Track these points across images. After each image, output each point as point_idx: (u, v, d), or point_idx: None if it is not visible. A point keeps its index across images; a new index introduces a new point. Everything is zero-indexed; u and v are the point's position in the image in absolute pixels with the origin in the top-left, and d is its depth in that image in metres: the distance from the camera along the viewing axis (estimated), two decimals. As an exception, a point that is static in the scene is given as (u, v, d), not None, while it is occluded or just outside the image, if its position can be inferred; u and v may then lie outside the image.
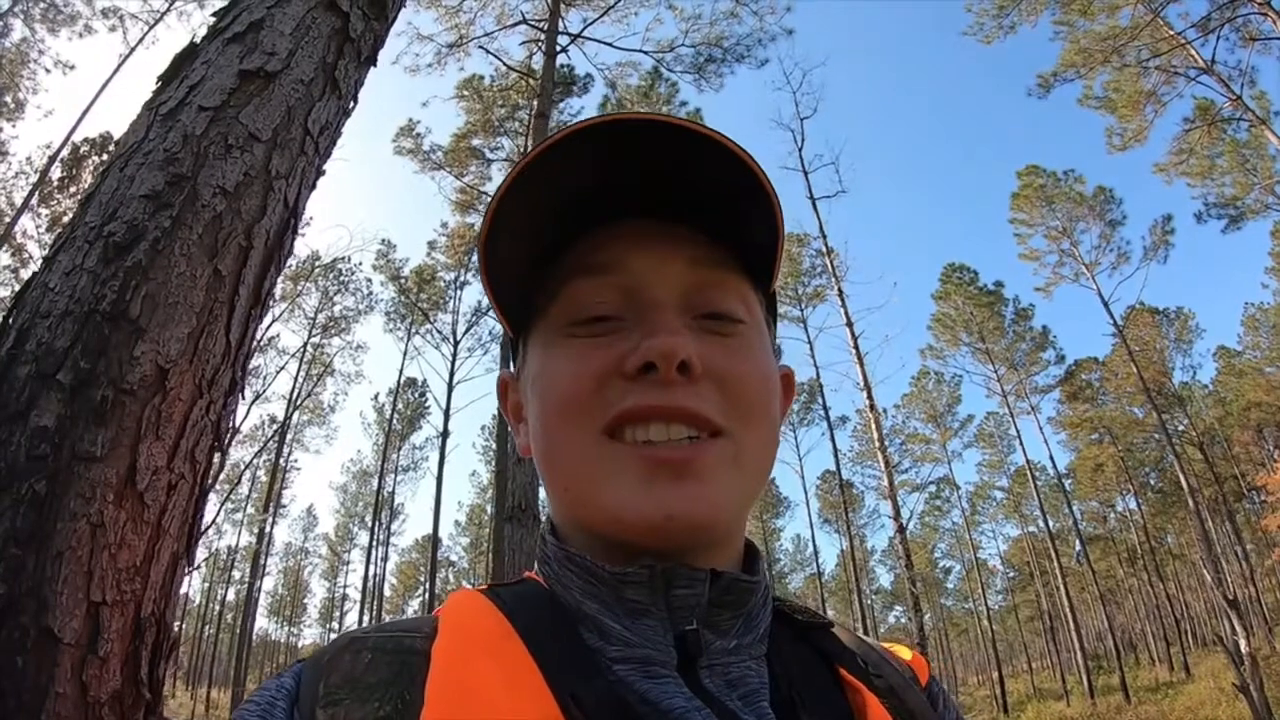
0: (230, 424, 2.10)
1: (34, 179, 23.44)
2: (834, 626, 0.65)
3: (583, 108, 20.74)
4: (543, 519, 0.68)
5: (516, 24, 14.79)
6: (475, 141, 21.20)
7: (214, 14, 2.47)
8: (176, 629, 1.86)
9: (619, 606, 0.55)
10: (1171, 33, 18.91)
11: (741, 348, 0.61)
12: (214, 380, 1.93)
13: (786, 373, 0.72)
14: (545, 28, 13.82)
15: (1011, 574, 50.72)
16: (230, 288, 1.99)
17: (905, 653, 0.71)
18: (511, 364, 0.74)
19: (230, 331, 1.98)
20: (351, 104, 2.66)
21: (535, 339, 0.64)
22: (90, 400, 1.64)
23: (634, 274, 0.60)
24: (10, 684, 1.40)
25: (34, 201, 22.79)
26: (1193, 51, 18.96)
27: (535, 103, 13.89)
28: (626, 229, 0.61)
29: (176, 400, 1.80)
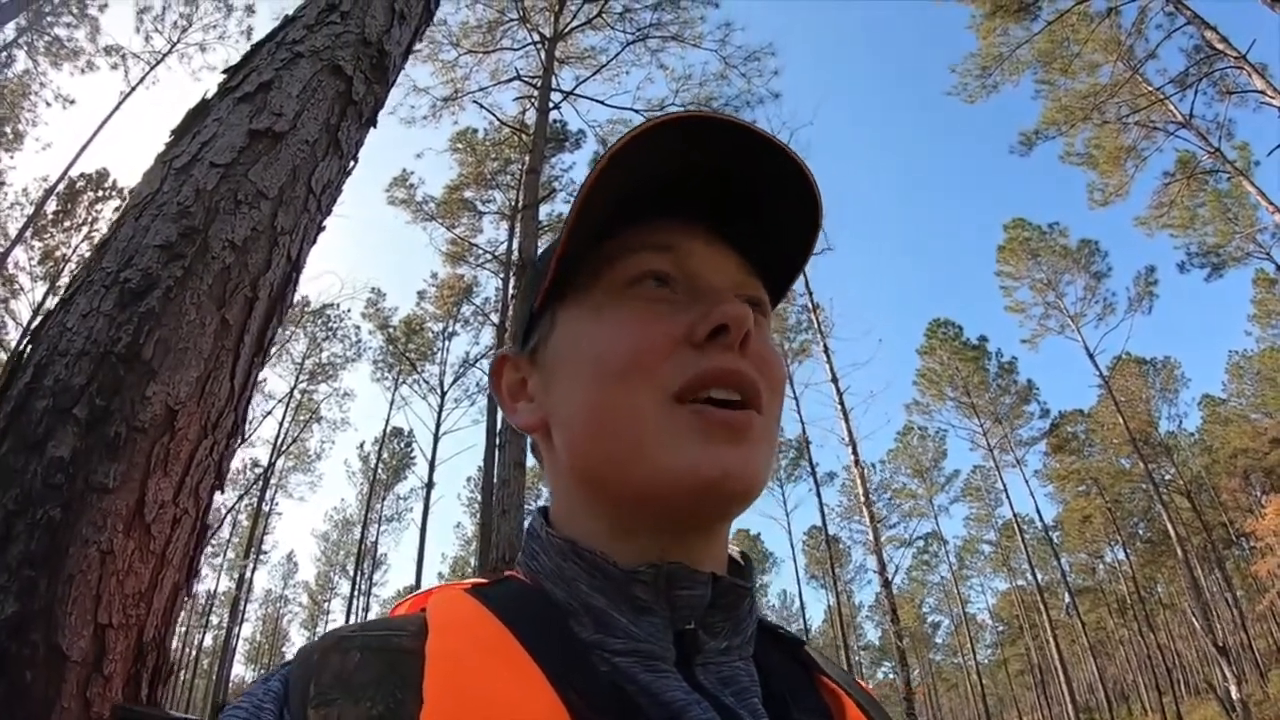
0: (229, 465, 2.21)
1: (29, 211, 23.55)
2: (805, 644, 0.67)
3: (574, 163, 21.02)
4: (531, 520, 0.66)
5: (510, 80, 15.12)
6: (468, 194, 21.44)
7: (224, 71, 2.60)
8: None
9: (626, 603, 0.56)
10: (1150, 89, 19.43)
11: (770, 338, 0.66)
12: (218, 422, 2.04)
13: None
14: (539, 84, 14.08)
15: (1001, 628, 50.34)
16: (236, 336, 2.11)
17: (863, 683, 0.72)
18: (522, 342, 0.73)
19: (235, 377, 2.10)
20: (352, 164, 2.79)
21: (578, 307, 0.65)
22: (104, 435, 1.75)
23: (695, 259, 0.63)
24: (19, 697, 1.48)
25: (28, 234, 22.87)
26: (1171, 106, 19.44)
27: (527, 158, 14.10)
28: (680, 225, 0.64)
29: (184, 439, 1.91)
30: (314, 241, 2.59)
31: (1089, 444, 34.95)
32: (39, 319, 2.00)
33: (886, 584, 17.45)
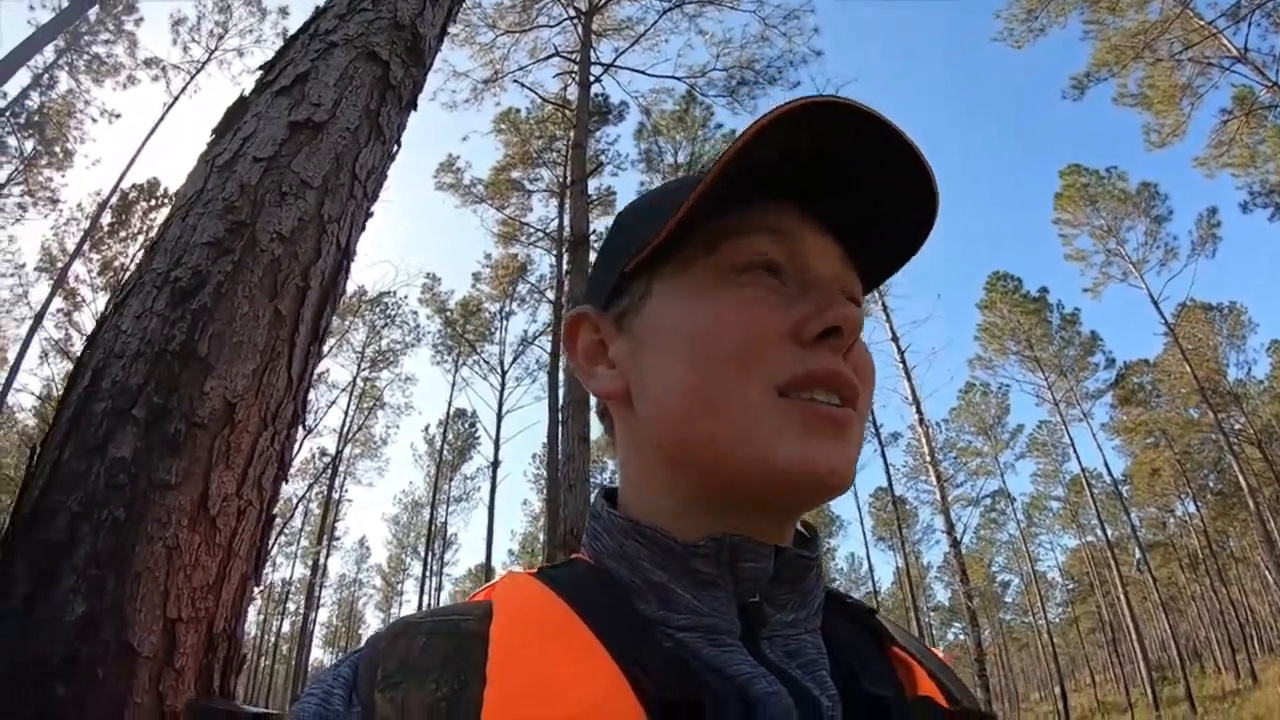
0: (292, 454, 2.22)
1: (85, 225, 24.11)
2: (877, 613, 0.67)
3: (619, 135, 21.02)
4: (594, 501, 0.65)
5: (549, 57, 15.06)
6: (515, 173, 21.51)
7: (260, 67, 2.61)
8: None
9: (687, 578, 0.56)
10: (1202, 23, 18.70)
11: (862, 344, 0.63)
12: (278, 413, 2.06)
13: None
14: (578, 59, 14.05)
15: (1071, 585, 49.59)
16: (290, 326, 2.12)
17: (938, 651, 0.72)
18: (607, 303, 0.69)
19: (291, 367, 2.11)
20: (395, 148, 2.79)
21: (677, 281, 0.63)
22: (164, 433, 1.77)
23: (805, 248, 0.62)
24: (92, 694, 1.51)
25: (85, 247, 23.44)
26: (1225, 40, 18.69)
27: (572, 133, 14.16)
28: (785, 206, 0.62)
29: (244, 432, 1.93)
30: (363, 228, 2.60)
31: (1156, 395, 33.99)
32: (97, 325, 2.03)
33: (955, 544, 17.32)
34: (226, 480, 1.86)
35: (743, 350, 0.57)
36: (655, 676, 0.47)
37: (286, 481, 2.21)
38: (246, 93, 2.50)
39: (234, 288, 2.00)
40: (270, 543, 2.12)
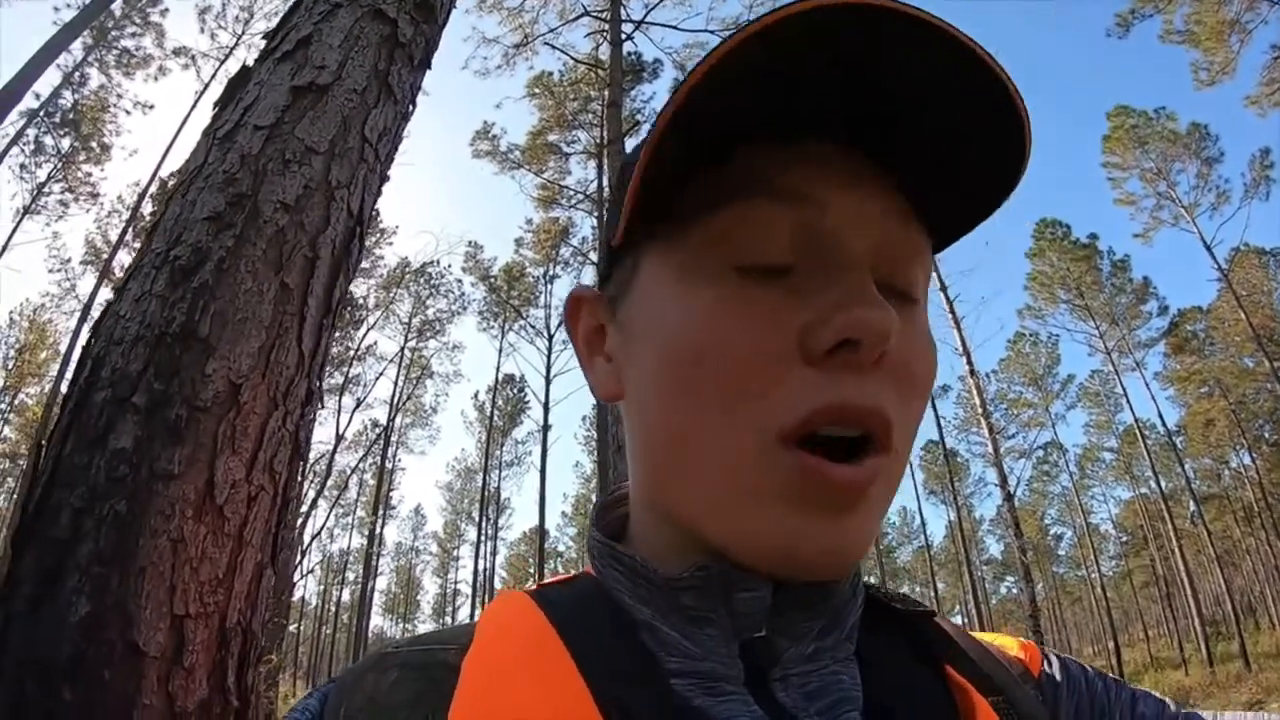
0: (309, 433, 2.14)
1: (126, 216, 24.52)
2: (935, 616, 0.54)
3: (654, 93, 20.83)
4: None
5: (579, 17, 14.91)
6: (551, 137, 21.51)
7: (263, 35, 2.52)
8: (292, 629, 1.91)
9: (675, 614, 0.46)
10: (1251, -44, 18.07)
11: (923, 333, 0.48)
12: (289, 391, 1.96)
13: None
14: (608, 17, 13.90)
15: (1124, 538, 49.04)
16: (299, 299, 2.02)
17: (1012, 644, 0.59)
18: (601, 277, 0.58)
19: (303, 342, 2.02)
20: (410, 108, 2.68)
21: (664, 255, 0.49)
22: (165, 420, 1.69)
23: (829, 213, 0.44)
24: (99, 696, 1.45)
25: (129, 237, 23.84)
26: (1275, -25, 18.08)
27: (606, 92, 14.00)
28: (814, 150, 0.45)
29: (251, 414, 1.84)
30: (377, 192, 2.49)
31: (1210, 343, 33.20)
32: (101, 314, 1.95)
33: (1009, 497, 17.11)
34: (234, 466, 1.77)
35: (737, 378, 0.43)
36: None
37: (305, 461, 2.13)
38: (248, 63, 2.40)
39: (236, 263, 1.90)
40: (296, 527, 2.04)
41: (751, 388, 0.43)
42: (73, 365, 1.89)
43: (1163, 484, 33.37)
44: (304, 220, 2.08)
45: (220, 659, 1.67)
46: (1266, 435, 34.95)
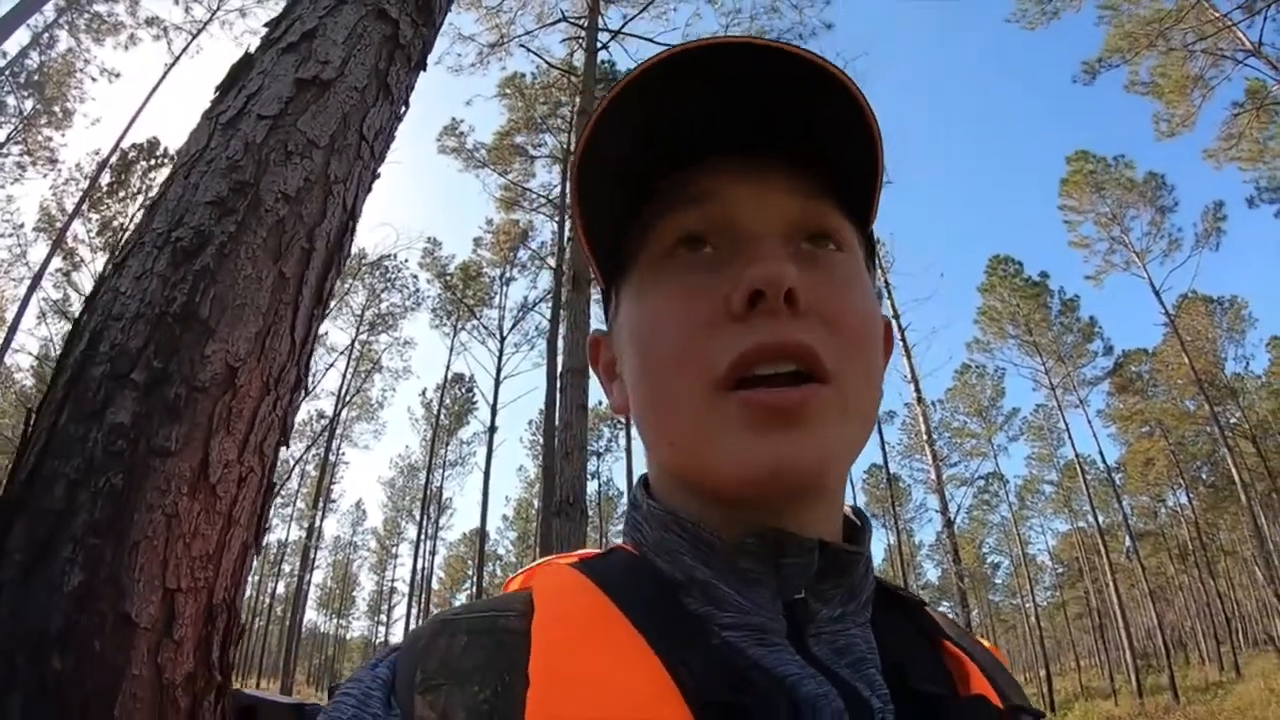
0: (294, 420, 2.17)
1: (84, 185, 24.01)
2: (927, 605, 0.64)
3: (624, 105, 20.78)
4: (632, 489, 0.63)
5: (556, 22, 14.90)
6: (518, 139, 21.46)
7: (266, 24, 2.54)
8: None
9: (732, 574, 0.53)
10: (1217, 14, 18.70)
11: (846, 280, 0.57)
12: (280, 377, 2.00)
13: (888, 322, 0.68)
14: (585, 25, 13.91)
15: (1060, 570, 50.04)
16: (294, 289, 2.06)
17: (986, 643, 0.67)
18: (605, 320, 0.70)
19: (295, 331, 2.06)
20: (403, 108, 2.73)
21: (629, 286, 0.61)
22: (164, 398, 1.72)
23: (731, 204, 0.56)
24: (89, 667, 1.47)
25: (84, 207, 23.34)
26: (1239, 34, 18.71)
27: (578, 99, 14.00)
28: (722, 164, 0.57)
29: (246, 397, 1.88)
30: (369, 189, 2.53)
31: (1153, 384, 34.11)
32: (95, 286, 1.97)
33: (949, 523, 17.39)
34: (228, 447, 1.81)
35: (678, 346, 0.54)
36: (701, 677, 0.45)
37: (288, 447, 2.16)
38: (252, 49, 2.42)
39: (237, 249, 1.94)
40: (270, 510, 2.07)
41: (692, 352, 0.53)
42: (50, 336, 1.90)
43: (1100, 519, 33.99)
44: (303, 212, 2.12)
45: (207, 634, 1.70)
46: (1204, 477, 35.96)
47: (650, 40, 14.71)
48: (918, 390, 18.85)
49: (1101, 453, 34.90)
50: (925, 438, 19.21)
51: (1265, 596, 32.81)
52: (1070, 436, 33.62)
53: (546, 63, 16.35)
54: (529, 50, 15.63)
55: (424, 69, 2.90)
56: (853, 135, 0.56)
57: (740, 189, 0.56)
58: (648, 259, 0.58)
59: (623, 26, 14.63)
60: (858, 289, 0.58)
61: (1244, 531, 34.04)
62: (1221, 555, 39.85)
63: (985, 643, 0.67)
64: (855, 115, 0.55)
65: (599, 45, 13.71)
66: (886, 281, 19.94)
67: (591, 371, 0.72)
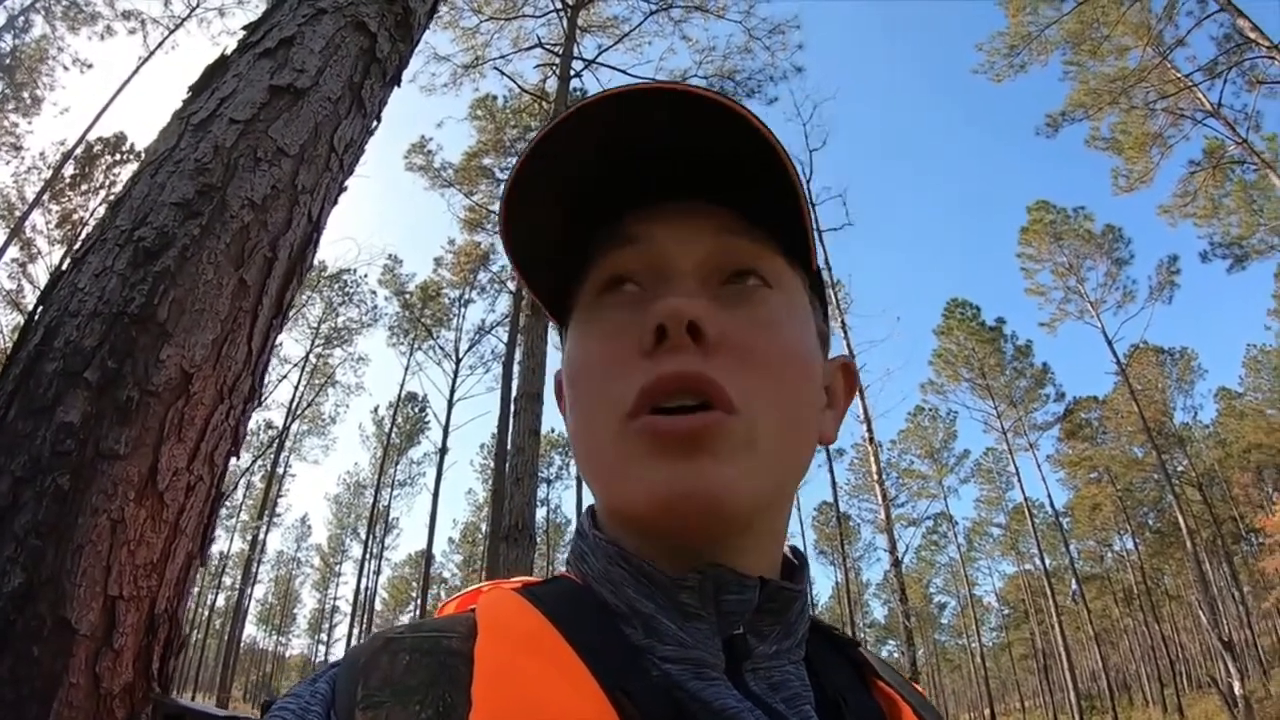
0: (246, 430, 2.14)
1: (47, 175, 23.59)
2: (860, 645, 0.64)
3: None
4: (580, 517, 0.63)
5: (532, 48, 14.99)
6: (486, 161, 21.41)
7: (244, 27, 2.52)
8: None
9: (673, 608, 0.53)
10: (1179, 75, 19.25)
11: (769, 317, 0.57)
12: (235, 386, 1.97)
13: (846, 363, 0.69)
14: (560, 52, 13.99)
15: (1006, 611, 50.55)
16: (254, 297, 2.04)
17: (918, 686, 0.69)
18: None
19: (252, 340, 2.03)
20: (375, 123, 2.72)
21: (572, 325, 0.62)
22: (116, 400, 1.69)
23: (658, 244, 0.58)
24: (25, 671, 1.44)
25: (45, 198, 22.93)
26: (1200, 95, 19.26)
27: (548, 125, 14.00)
28: (657, 206, 0.59)
29: (199, 404, 1.85)
30: (335, 201, 2.52)
31: (1103, 431, 34.78)
32: (51, 280, 1.94)
33: (897, 563, 17.44)
34: (178, 454, 1.78)
35: (599, 384, 0.56)
36: (642, 706, 0.46)
37: (238, 458, 2.13)
38: (228, 51, 2.40)
39: (200, 253, 1.91)
40: (217, 521, 2.03)
41: (608, 387, 0.54)
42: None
43: (1047, 561, 34.53)
44: (268, 220, 2.10)
45: (147, 644, 1.66)
46: (1150, 523, 36.61)
47: (624, 71, 14.85)
48: (870, 430, 18.94)
49: (1050, 497, 35.58)
50: (875, 477, 19.30)
51: (1208, 640, 33.28)
52: (1020, 480, 34.19)
53: (520, 87, 16.38)
54: (502, 73, 15.67)
55: (399, 84, 2.90)
56: (771, 171, 0.56)
57: (667, 229, 0.58)
58: (585, 300, 0.60)
59: (597, 56, 14.76)
60: (784, 324, 0.58)
61: (1188, 576, 34.67)
62: (1166, 599, 40.59)
63: (917, 686, 0.68)
64: (767, 151, 0.55)
65: (573, 73, 13.81)
66: (843, 322, 20.08)
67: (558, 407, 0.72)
